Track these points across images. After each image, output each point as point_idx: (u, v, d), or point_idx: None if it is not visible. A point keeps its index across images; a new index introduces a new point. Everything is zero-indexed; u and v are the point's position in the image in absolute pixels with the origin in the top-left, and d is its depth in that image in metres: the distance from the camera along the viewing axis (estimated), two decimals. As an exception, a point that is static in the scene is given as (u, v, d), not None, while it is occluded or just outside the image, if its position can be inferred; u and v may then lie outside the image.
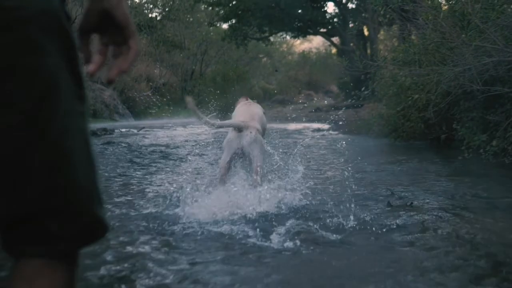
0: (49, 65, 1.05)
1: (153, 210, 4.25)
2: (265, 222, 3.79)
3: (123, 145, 10.19)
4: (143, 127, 16.31)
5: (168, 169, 6.92)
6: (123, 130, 15.41)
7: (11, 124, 1.02)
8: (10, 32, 1.00)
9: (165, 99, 26.37)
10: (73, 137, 1.11)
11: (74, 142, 1.11)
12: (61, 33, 1.08)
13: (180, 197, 4.26)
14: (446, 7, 7.82)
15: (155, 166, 7.24)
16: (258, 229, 3.52)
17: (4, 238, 1.10)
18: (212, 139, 11.30)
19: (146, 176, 6.26)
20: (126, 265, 2.87)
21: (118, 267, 2.82)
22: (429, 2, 7.85)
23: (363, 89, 10.19)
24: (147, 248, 3.20)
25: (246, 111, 5.01)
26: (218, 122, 4.88)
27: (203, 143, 10.70)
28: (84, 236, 1.14)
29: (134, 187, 5.53)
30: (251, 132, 4.60)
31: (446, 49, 7.21)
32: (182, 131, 15.48)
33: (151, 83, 28.57)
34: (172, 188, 5.00)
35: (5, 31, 1.00)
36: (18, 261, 1.10)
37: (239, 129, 4.61)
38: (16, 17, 1.01)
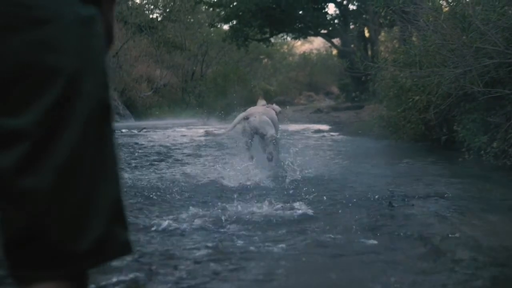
0: (69, 67, 1.04)
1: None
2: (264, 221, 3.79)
3: (125, 145, 10.19)
4: (144, 128, 16.33)
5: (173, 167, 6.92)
6: (124, 130, 15.42)
7: (29, 122, 1.00)
8: (32, 30, 1.00)
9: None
10: (92, 144, 1.08)
11: (91, 149, 1.08)
12: (81, 34, 1.07)
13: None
14: (447, 9, 7.81)
15: (157, 166, 7.24)
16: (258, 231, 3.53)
17: (12, 262, 1.06)
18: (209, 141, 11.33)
19: (146, 176, 6.26)
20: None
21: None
22: (430, 4, 7.84)
23: (357, 92, 10.20)
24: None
25: (255, 108, 6.59)
26: (231, 125, 6.51)
27: (203, 144, 10.71)
28: (98, 255, 1.10)
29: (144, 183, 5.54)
30: (255, 117, 6.24)
31: (447, 50, 7.21)
32: (183, 132, 15.48)
33: (151, 84, 28.59)
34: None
35: (27, 29, 1.00)
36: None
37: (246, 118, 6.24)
38: (38, 15, 1.01)
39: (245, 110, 6.56)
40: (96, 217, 1.08)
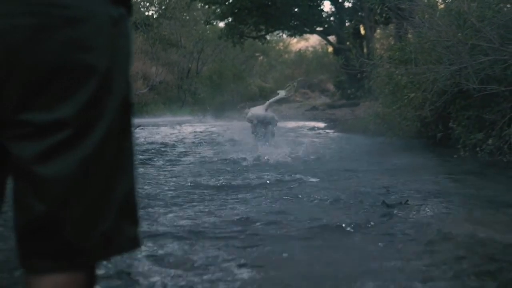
0: (102, 65, 1.08)
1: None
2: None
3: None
4: (139, 125, 16.30)
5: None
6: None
7: (60, 119, 1.04)
8: (67, 29, 1.03)
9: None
10: (114, 139, 1.13)
11: (113, 144, 1.12)
12: (112, 34, 1.11)
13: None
14: (442, 5, 7.83)
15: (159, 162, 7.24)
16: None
17: (24, 251, 1.10)
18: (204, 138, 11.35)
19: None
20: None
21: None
22: (426, 1, 7.85)
23: (353, 89, 10.25)
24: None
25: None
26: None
27: (197, 141, 10.71)
28: (107, 249, 1.14)
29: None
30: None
31: (442, 47, 7.22)
32: (178, 129, 15.47)
33: (147, 81, 28.56)
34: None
35: (62, 28, 1.03)
36: (36, 277, 1.09)
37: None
38: (73, 15, 1.04)
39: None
40: (109, 210, 1.12)
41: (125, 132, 1.17)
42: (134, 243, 1.19)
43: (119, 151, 1.15)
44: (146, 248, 3.10)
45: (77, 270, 1.11)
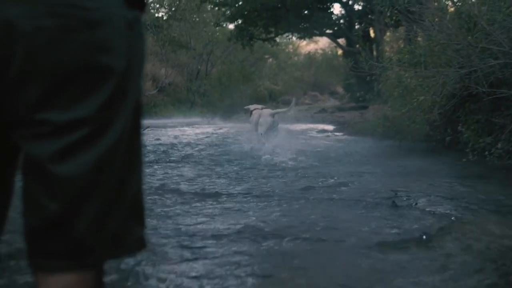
0: (119, 67, 1.10)
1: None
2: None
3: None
4: (148, 127, 16.33)
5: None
6: (128, 129, 15.41)
7: (77, 119, 1.06)
8: (87, 31, 1.05)
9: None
10: (126, 140, 1.14)
11: (125, 145, 1.14)
12: (128, 36, 1.13)
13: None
14: (452, 9, 7.79)
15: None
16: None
17: (33, 249, 1.11)
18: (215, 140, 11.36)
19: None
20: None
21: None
22: (436, 4, 7.82)
23: (362, 92, 10.23)
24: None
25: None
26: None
27: (206, 143, 10.72)
28: (115, 249, 1.16)
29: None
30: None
31: (452, 51, 7.18)
32: (187, 131, 15.49)
33: (156, 83, 28.63)
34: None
35: (83, 29, 1.05)
36: (45, 276, 1.10)
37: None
38: (94, 17, 1.06)
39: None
40: (120, 210, 1.14)
41: (136, 133, 1.19)
42: (140, 244, 1.20)
43: (130, 151, 1.16)
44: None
45: (86, 269, 1.12)
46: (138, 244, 1.20)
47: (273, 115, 9.39)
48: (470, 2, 6.86)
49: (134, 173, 1.19)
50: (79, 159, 1.07)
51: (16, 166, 1.14)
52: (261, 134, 9.14)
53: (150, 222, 3.65)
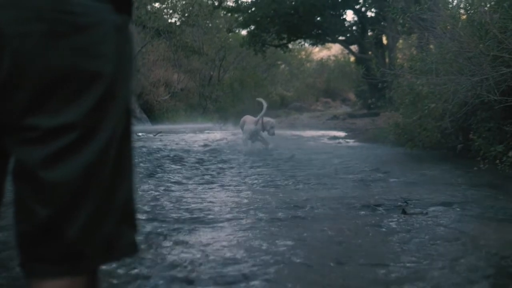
0: (108, 71, 1.10)
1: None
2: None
3: (142, 149, 10.26)
4: (160, 132, 16.40)
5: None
6: (140, 134, 15.51)
7: (66, 124, 1.06)
8: (75, 36, 1.05)
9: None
10: (116, 145, 1.14)
11: (115, 150, 1.14)
12: (116, 41, 1.13)
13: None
14: (464, 16, 7.77)
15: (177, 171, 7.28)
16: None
17: (25, 255, 1.11)
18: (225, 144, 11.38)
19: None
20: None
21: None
22: (448, 12, 7.81)
23: (373, 99, 10.21)
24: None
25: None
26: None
27: (217, 149, 10.74)
28: (106, 254, 1.16)
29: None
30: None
31: (463, 58, 7.16)
32: (199, 136, 15.53)
33: (169, 88, 28.71)
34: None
35: (71, 34, 1.05)
36: (38, 282, 1.10)
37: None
38: (82, 22, 1.06)
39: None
40: (112, 214, 1.13)
41: (126, 137, 1.19)
42: (132, 248, 1.20)
43: (120, 156, 1.16)
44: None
45: (79, 274, 1.11)
46: (130, 248, 1.19)
47: (256, 122, 10.33)
48: (482, 10, 6.84)
49: (125, 177, 1.18)
50: (69, 164, 1.06)
51: (6, 172, 1.14)
52: (245, 140, 10.27)
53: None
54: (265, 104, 10.45)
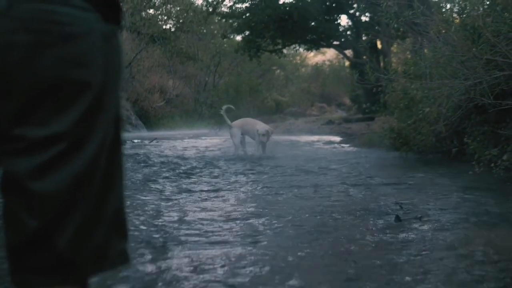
0: (96, 81, 1.09)
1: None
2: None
3: (136, 156, 10.23)
4: (155, 139, 16.37)
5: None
6: (135, 141, 15.49)
7: (54, 134, 1.05)
8: (63, 46, 1.05)
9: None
10: (105, 154, 1.13)
11: (104, 159, 1.13)
12: (104, 50, 1.12)
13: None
14: (457, 20, 7.79)
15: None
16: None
17: (15, 266, 1.10)
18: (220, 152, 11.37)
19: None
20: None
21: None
22: (441, 16, 7.82)
23: (368, 104, 10.22)
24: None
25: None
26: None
27: (212, 155, 10.72)
28: (97, 264, 1.14)
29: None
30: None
31: (457, 62, 7.17)
32: (194, 143, 15.51)
33: (164, 95, 28.71)
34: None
35: (58, 45, 1.04)
36: None
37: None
38: (70, 32, 1.06)
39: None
40: (102, 224, 1.12)
41: (116, 146, 1.18)
42: (124, 258, 1.19)
43: (110, 165, 1.15)
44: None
45: (70, 285, 1.10)
46: (121, 258, 1.18)
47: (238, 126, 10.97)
48: (475, 14, 6.86)
49: (115, 186, 1.17)
50: (58, 174, 1.05)
51: None
52: (235, 144, 10.89)
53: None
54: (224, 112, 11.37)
